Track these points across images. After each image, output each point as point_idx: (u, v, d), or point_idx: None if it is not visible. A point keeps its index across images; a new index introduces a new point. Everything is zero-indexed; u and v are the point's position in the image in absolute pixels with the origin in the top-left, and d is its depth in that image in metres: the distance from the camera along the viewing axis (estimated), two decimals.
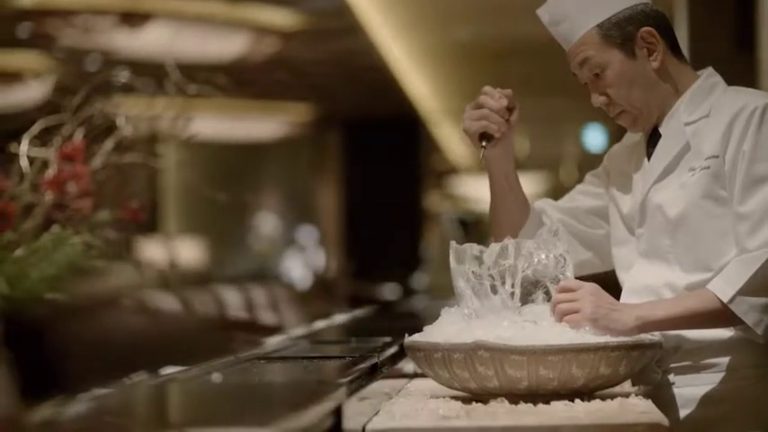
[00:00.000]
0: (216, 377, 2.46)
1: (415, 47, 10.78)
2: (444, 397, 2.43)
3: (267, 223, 14.53)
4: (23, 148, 3.42)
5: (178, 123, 3.79)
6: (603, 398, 2.38)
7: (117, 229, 3.56)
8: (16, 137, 3.44)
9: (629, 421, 2.15)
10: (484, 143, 2.65)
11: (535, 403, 2.30)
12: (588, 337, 2.37)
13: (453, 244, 2.49)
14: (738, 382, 2.54)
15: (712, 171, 2.53)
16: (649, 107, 2.63)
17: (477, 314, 2.43)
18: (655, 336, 2.45)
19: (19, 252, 3.22)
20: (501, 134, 2.65)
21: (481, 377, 2.35)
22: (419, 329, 2.48)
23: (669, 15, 2.73)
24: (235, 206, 12.13)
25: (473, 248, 2.48)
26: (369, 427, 2.17)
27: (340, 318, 5.15)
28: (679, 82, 2.63)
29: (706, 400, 2.55)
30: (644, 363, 2.43)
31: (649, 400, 2.40)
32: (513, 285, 2.44)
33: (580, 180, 2.87)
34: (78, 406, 2.09)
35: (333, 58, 10.69)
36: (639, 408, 2.28)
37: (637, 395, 2.41)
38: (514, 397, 2.34)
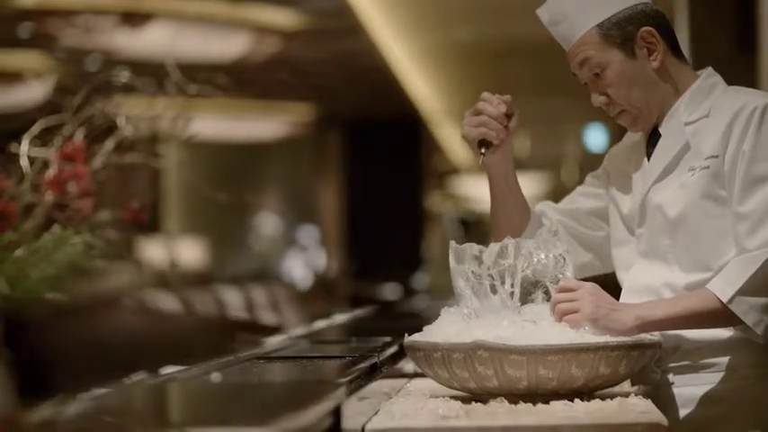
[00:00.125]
0: (216, 377, 2.46)
1: (416, 47, 10.78)
2: (444, 397, 2.43)
3: (268, 223, 14.52)
4: (24, 148, 3.42)
5: (179, 123, 3.79)
6: (603, 398, 2.38)
7: (117, 229, 3.55)
8: (17, 137, 3.44)
9: (628, 421, 2.15)
10: (483, 150, 2.64)
11: (534, 403, 2.30)
12: (588, 336, 2.37)
13: (453, 244, 2.49)
14: (738, 382, 2.54)
15: (712, 171, 2.53)
16: (649, 107, 2.62)
17: (477, 314, 2.43)
18: (654, 335, 2.45)
19: (19, 252, 3.22)
20: (500, 141, 2.65)
21: (481, 377, 2.35)
22: (420, 329, 2.48)
23: (669, 16, 2.73)
24: (235, 206, 12.12)
25: (473, 248, 2.47)
26: (368, 426, 2.17)
27: (340, 318, 5.14)
28: (679, 82, 2.63)
29: (705, 399, 2.55)
30: (644, 362, 2.43)
31: (649, 399, 2.40)
32: (512, 285, 2.44)
33: (581, 180, 2.87)
34: (78, 406, 2.09)
35: (334, 58, 10.69)
36: (639, 407, 2.28)
37: (636, 395, 2.41)
38: (514, 397, 2.34)
